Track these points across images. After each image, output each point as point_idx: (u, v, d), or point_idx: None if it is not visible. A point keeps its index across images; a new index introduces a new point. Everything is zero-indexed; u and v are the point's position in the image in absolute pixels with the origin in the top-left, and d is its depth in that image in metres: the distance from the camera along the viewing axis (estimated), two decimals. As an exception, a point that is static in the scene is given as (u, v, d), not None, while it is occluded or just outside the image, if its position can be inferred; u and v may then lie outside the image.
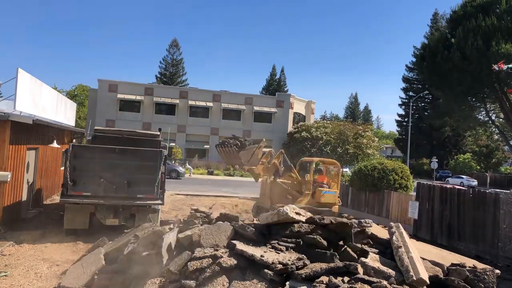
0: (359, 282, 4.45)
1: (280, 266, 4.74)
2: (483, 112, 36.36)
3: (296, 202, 11.95)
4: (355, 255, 5.43)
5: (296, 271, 4.74)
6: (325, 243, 5.41)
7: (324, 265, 4.83)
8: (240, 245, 5.16)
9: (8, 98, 13.95)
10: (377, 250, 5.78)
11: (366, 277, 4.57)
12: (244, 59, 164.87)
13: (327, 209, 12.20)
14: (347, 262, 4.91)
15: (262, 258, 4.84)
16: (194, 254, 5.15)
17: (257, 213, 12.81)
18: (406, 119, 62.78)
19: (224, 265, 4.86)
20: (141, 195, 9.84)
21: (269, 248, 5.33)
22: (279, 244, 5.38)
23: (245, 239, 5.64)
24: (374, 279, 4.52)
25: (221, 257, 5.00)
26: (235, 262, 4.93)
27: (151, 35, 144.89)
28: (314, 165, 13.47)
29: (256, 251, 5.06)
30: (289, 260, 4.87)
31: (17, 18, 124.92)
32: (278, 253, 5.15)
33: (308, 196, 12.68)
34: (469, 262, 6.32)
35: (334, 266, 4.82)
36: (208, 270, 4.87)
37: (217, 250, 5.23)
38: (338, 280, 4.53)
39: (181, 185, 23.65)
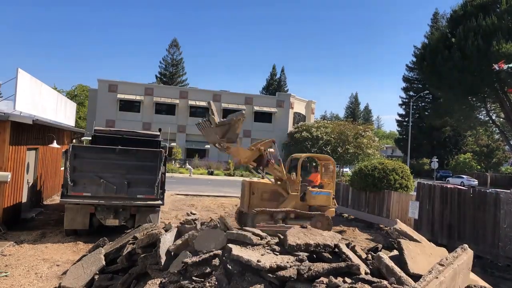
0: (360, 282, 4.44)
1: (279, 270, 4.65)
2: (483, 112, 36.39)
3: (280, 206, 10.65)
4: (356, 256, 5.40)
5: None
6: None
7: (326, 265, 4.82)
8: (236, 250, 4.99)
9: (8, 98, 13.98)
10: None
11: (367, 277, 4.56)
12: (244, 58, 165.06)
13: (319, 213, 10.84)
14: (349, 263, 4.89)
15: (259, 263, 4.71)
16: (193, 255, 5.13)
17: (240, 220, 11.61)
18: (406, 119, 62.80)
19: (225, 265, 4.85)
20: (141, 196, 9.86)
21: (267, 249, 5.26)
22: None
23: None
24: (375, 279, 4.51)
25: (222, 257, 4.99)
26: (235, 263, 4.91)
27: (151, 35, 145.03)
28: (301, 162, 11.74)
29: (252, 255, 4.94)
30: (287, 263, 4.83)
31: (17, 18, 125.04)
32: (277, 255, 5.10)
33: (294, 198, 11.03)
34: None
35: (336, 266, 4.80)
36: (208, 270, 4.86)
37: (217, 250, 5.22)
38: (338, 280, 4.52)
39: (181, 185, 23.64)
